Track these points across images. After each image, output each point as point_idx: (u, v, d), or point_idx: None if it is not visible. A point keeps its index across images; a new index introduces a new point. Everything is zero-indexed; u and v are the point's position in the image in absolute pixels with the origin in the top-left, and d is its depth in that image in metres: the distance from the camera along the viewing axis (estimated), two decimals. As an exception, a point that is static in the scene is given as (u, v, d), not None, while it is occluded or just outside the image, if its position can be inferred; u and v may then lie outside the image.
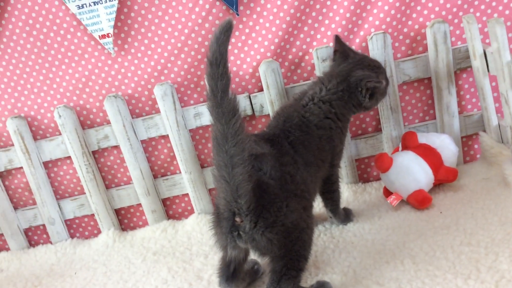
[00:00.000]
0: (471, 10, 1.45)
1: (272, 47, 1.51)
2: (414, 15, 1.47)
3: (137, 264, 1.44)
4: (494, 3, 1.44)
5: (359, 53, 1.40)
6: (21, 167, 1.63)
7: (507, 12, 1.44)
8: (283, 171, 1.11)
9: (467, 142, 1.57)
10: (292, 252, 1.06)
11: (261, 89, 1.55)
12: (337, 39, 1.40)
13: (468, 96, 1.54)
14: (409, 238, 1.24)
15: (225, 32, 0.93)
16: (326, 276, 1.17)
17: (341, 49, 1.38)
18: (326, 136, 1.27)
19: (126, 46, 1.53)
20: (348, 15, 1.48)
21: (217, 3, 1.48)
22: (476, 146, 1.57)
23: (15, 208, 1.69)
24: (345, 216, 1.39)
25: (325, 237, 1.35)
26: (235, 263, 1.14)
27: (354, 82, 1.28)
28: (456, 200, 1.36)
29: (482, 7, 1.45)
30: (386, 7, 1.46)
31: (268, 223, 1.03)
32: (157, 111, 1.58)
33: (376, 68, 1.34)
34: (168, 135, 1.59)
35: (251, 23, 1.51)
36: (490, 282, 1.01)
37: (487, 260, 1.08)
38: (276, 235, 1.03)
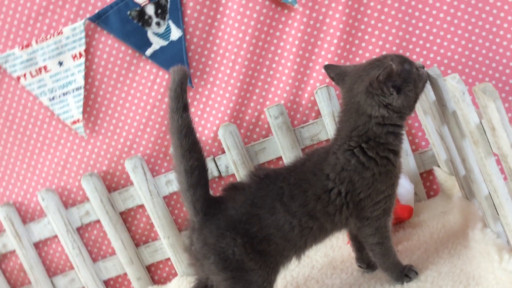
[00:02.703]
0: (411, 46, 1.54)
1: (228, 111, 1.62)
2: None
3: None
4: (431, 55, 1.53)
5: (360, 64, 1.23)
6: (14, 250, 1.75)
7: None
8: (251, 212, 1.15)
9: (428, 177, 1.62)
10: None
11: (224, 151, 1.65)
12: (327, 67, 1.26)
13: (420, 134, 1.60)
14: (364, 279, 1.28)
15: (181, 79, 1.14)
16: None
17: (337, 73, 1.23)
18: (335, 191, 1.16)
19: (96, 128, 1.68)
20: (293, 74, 1.59)
21: (173, 79, 1.61)
22: (437, 181, 1.61)
23: (13, 289, 1.80)
24: (399, 273, 1.20)
25: (291, 287, 1.39)
26: None
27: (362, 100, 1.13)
28: (412, 236, 1.39)
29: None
30: (326, 63, 1.56)
31: (202, 242, 1.14)
32: (132, 183, 1.69)
33: (376, 62, 1.16)
34: (143, 204, 1.69)
35: (206, 92, 1.64)
36: (429, 315, 1.04)
37: (431, 294, 1.11)
38: (211, 264, 1.13)
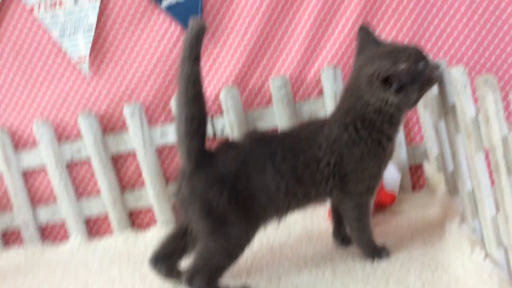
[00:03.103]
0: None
1: (234, 74, 1.65)
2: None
3: (93, 266, 1.54)
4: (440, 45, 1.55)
5: (383, 45, 1.21)
6: (2, 174, 1.77)
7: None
8: (241, 169, 1.19)
9: (416, 171, 1.66)
10: (213, 243, 1.16)
11: (222, 113, 1.67)
12: (362, 29, 1.23)
13: (416, 128, 1.63)
14: (337, 252, 1.32)
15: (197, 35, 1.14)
16: (253, 281, 1.26)
17: (363, 41, 1.22)
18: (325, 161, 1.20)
19: (101, 69, 1.69)
20: (303, 48, 1.61)
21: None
22: (424, 176, 1.65)
23: (-6, 212, 1.82)
24: (371, 250, 1.25)
25: (265, 250, 1.43)
26: (177, 245, 1.27)
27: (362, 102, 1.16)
28: (391, 221, 1.44)
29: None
30: (338, 43, 1.59)
31: (190, 189, 1.18)
32: (127, 128, 1.71)
33: (394, 52, 1.14)
34: (135, 151, 1.72)
35: (215, 52, 1.65)
36: (394, 293, 1.09)
37: (399, 274, 1.16)
38: (195, 211, 1.16)
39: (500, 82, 1.54)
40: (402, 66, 1.09)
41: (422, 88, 1.14)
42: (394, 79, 1.09)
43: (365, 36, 1.22)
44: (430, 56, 1.21)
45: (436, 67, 1.16)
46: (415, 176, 1.66)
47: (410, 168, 1.64)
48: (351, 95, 1.20)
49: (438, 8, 1.54)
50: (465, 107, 0.99)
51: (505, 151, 0.83)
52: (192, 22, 1.18)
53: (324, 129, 1.22)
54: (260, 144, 1.22)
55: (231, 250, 1.19)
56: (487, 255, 1.07)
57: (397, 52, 1.14)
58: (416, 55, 1.13)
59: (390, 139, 1.21)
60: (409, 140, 1.64)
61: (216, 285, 1.18)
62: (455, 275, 1.08)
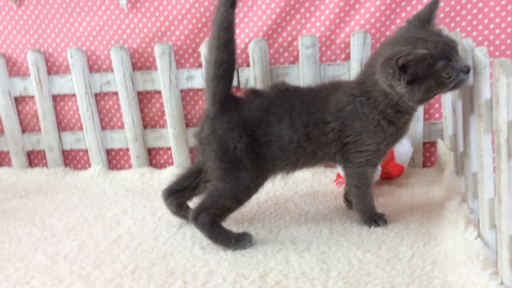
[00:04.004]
0: (457, 18, 1.53)
1: (264, 28, 1.66)
2: (398, 21, 1.58)
3: (109, 195, 1.64)
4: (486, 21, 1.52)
5: (425, 28, 1.14)
6: (33, 96, 1.85)
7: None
8: (262, 116, 1.23)
9: (429, 149, 1.67)
10: (223, 185, 1.22)
11: (249, 65, 1.70)
12: (433, 3, 1.15)
13: (437, 105, 1.63)
14: (338, 213, 1.37)
15: None
16: (253, 230, 1.32)
17: (416, 17, 1.15)
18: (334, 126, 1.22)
19: (137, 5, 1.73)
20: (337, 10, 1.61)
21: (222, -21, 1.64)
22: (436, 153, 1.66)
23: (23, 131, 1.92)
24: (369, 217, 1.29)
25: (271, 203, 1.49)
26: (190, 183, 1.34)
27: (379, 66, 1.11)
28: (395, 193, 1.47)
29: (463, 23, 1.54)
30: (372, 9, 1.58)
31: (211, 130, 1.22)
32: (156, 68, 1.76)
33: (421, 39, 1.08)
34: (161, 91, 1.77)
35: (249, 3, 1.66)
36: (383, 257, 1.13)
37: (392, 242, 1.19)
38: (212, 152, 1.22)
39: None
40: (416, 54, 1.03)
41: (431, 89, 1.08)
42: (408, 65, 1.05)
43: (426, 10, 1.14)
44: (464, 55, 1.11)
45: (465, 69, 1.07)
46: (428, 152, 1.67)
47: (425, 144, 1.65)
48: (368, 68, 1.20)
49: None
50: (481, 88, 0.99)
51: (509, 135, 0.84)
52: None
53: (338, 94, 1.24)
54: (283, 95, 1.25)
55: (239, 194, 1.24)
56: (479, 235, 1.09)
57: (424, 40, 1.08)
58: (442, 51, 1.06)
59: (392, 123, 1.20)
60: (428, 116, 1.64)
61: (219, 226, 1.24)
62: (445, 249, 1.12)
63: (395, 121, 1.20)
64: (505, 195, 0.90)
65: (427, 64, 1.06)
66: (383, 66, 1.10)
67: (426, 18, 1.13)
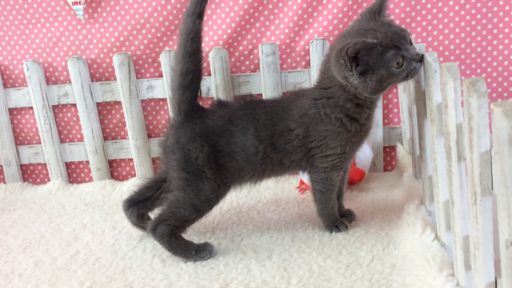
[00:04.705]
0: (413, 24, 1.56)
1: (225, 36, 1.66)
2: (355, 27, 1.60)
3: (67, 210, 1.60)
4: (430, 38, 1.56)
5: (376, 20, 1.14)
6: (-11, 110, 1.80)
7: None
8: (225, 127, 1.23)
9: (390, 153, 1.69)
10: (183, 195, 1.21)
11: (210, 74, 1.69)
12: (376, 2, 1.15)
13: (396, 110, 1.65)
14: (300, 220, 1.37)
15: None
16: (215, 240, 1.31)
17: (364, 13, 1.16)
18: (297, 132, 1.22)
19: (95, 15, 1.70)
20: (295, 18, 1.62)
21: (180, -11, 1.63)
22: (396, 157, 1.68)
23: (-21, 146, 1.86)
24: (331, 223, 1.29)
25: (234, 211, 1.48)
26: (152, 193, 1.33)
27: (333, 58, 1.12)
28: (356, 197, 1.48)
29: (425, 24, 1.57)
30: (330, 16, 1.59)
31: (175, 139, 1.22)
32: (115, 78, 1.73)
33: (372, 30, 1.09)
34: (121, 101, 1.74)
35: (208, 12, 1.66)
36: (343, 262, 1.13)
37: (352, 246, 1.20)
38: (175, 161, 1.22)
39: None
40: (362, 43, 1.04)
41: (383, 79, 1.08)
42: (357, 54, 1.06)
43: (374, 7, 1.15)
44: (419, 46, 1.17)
45: (417, 57, 1.08)
46: (389, 156, 1.69)
47: (385, 149, 1.67)
48: (325, 64, 1.21)
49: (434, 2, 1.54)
50: (432, 92, 1.01)
51: (458, 138, 0.86)
52: None
53: (300, 101, 1.25)
54: (248, 106, 1.26)
55: (199, 205, 1.22)
56: (436, 237, 1.11)
57: (374, 30, 1.09)
58: (391, 41, 1.06)
59: (356, 120, 1.20)
60: (388, 121, 1.66)
61: (178, 237, 1.23)
62: (404, 252, 1.13)
63: (357, 116, 1.20)
64: (457, 197, 0.92)
65: (377, 53, 1.06)
66: (336, 58, 1.11)
67: (377, 10, 1.15)
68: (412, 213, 1.23)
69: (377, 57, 1.07)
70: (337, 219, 1.30)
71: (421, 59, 1.09)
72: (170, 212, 1.22)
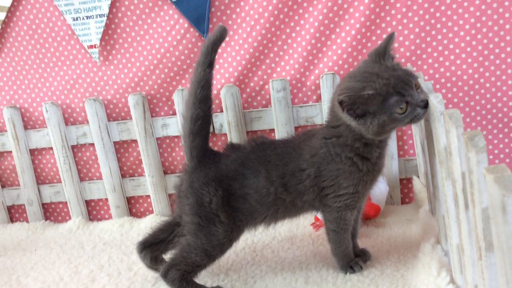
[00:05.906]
0: (419, 62, 1.55)
1: (235, 74, 1.67)
2: (365, 60, 1.59)
3: (86, 250, 1.62)
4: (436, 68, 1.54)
5: (376, 64, 1.13)
6: (11, 151, 1.86)
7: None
8: (238, 170, 1.24)
9: (407, 185, 1.66)
10: (195, 240, 1.21)
11: (222, 110, 1.70)
12: (388, 37, 1.15)
13: (411, 142, 1.63)
14: (314, 259, 1.35)
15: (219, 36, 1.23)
16: (229, 282, 1.30)
17: (370, 54, 1.16)
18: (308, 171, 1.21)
19: (110, 57, 1.74)
20: (305, 53, 1.62)
21: (191, 29, 1.66)
22: (413, 190, 1.66)
23: (3, 186, 1.92)
24: (345, 263, 1.27)
25: (248, 250, 1.47)
26: (166, 236, 1.34)
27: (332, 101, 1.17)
28: (372, 234, 1.45)
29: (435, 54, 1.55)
30: (339, 51, 1.59)
31: (189, 184, 1.24)
32: (131, 117, 1.77)
33: (374, 75, 1.08)
34: (137, 140, 1.77)
35: (219, 50, 1.67)
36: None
37: (366, 289, 1.18)
38: (188, 205, 1.23)
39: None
40: (350, 97, 1.06)
41: (385, 124, 1.08)
42: (351, 102, 1.07)
43: (378, 50, 1.14)
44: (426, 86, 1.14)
45: (422, 104, 1.06)
46: (406, 188, 1.66)
47: (402, 181, 1.65)
48: (331, 107, 1.21)
49: (439, 29, 1.52)
50: (438, 134, 1.00)
51: (463, 186, 0.84)
52: (217, 28, 1.25)
53: (311, 140, 1.24)
54: (259, 148, 1.26)
55: (211, 250, 1.23)
56: (451, 280, 1.08)
57: (376, 75, 1.08)
58: (394, 88, 1.06)
59: (366, 159, 1.19)
60: (403, 153, 1.64)
61: (190, 281, 1.23)
62: (418, 296, 1.10)
63: (368, 155, 1.19)
64: (467, 245, 0.89)
65: (377, 101, 1.07)
66: (334, 101, 1.14)
67: (381, 53, 1.14)
68: (427, 253, 1.20)
69: (378, 104, 1.07)
70: (352, 259, 1.28)
71: (426, 105, 1.07)
72: (182, 257, 1.23)
